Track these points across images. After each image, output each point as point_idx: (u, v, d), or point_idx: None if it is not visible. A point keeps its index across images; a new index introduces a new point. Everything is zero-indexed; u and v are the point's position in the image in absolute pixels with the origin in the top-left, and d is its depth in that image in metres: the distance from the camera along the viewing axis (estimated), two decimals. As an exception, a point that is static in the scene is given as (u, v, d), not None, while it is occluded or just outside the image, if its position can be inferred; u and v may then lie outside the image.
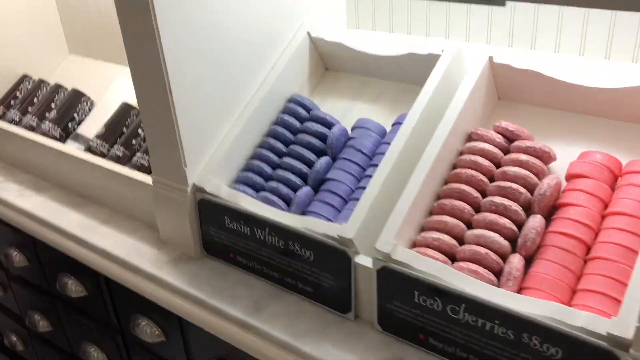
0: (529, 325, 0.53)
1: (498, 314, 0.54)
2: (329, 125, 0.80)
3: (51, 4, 1.25)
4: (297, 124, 0.82)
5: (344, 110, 0.85)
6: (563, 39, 0.77)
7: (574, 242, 0.59)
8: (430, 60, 0.76)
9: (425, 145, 0.68)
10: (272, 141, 0.81)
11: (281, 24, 0.85)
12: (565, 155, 0.66)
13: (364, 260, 0.63)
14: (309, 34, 0.87)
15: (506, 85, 0.72)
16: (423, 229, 0.64)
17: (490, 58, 0.71)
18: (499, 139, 0.68)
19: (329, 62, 0.91)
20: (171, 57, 0.68)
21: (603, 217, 0.60)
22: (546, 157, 0.65)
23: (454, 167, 0.68)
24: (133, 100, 1.08)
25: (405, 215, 0.61)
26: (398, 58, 0.80)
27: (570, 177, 0.64)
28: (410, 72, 0.81)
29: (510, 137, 0.68)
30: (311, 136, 0.79)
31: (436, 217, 0.63)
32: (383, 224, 0.63)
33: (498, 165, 0.67)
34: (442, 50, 0.74)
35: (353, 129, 0.80)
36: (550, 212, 0.63)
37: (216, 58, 0.75)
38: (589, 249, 0.59)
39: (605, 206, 0.61)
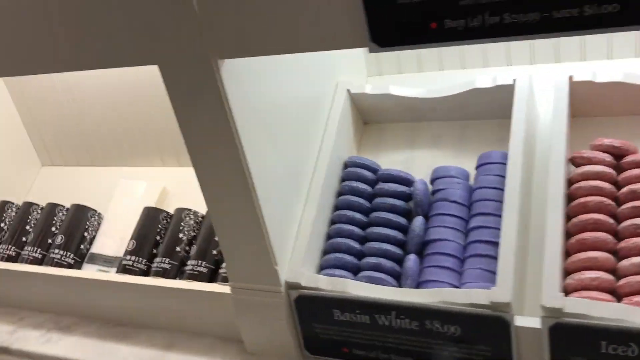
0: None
1: None
2: (405, 182, 0.75)
3: (15, 118, 1.15)
4: (368, 188, 0.76)
5: (406, 163, 0.80)
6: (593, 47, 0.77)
7: None
8: (498, 93, 0.73)
9: (534, 181, 0.64)
10: (350, 213, 0.74)
11: (322, 86, 0.80)
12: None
13: (526, 321, 0.58)
14: (348, 91, 0.83)
15: (581, 102, 0.71)
16: (568, 271, 0.60)
17: (571, 77, 0.69)
18: (608, 158, 0.65)
19: (368, 116, 0.86)
20: (249, 149, 0.62)
21: None
22: (662, 163, 0.63)
23: (570, 197, 0.64)
24: (153, 203, 1.01)
25: (560, 263, 0.57)
26: (458, 96, 0.76)
27: (697, 178, 0.62)
28: (471, 108, 0.78)
29: (617, 154, 0.66)
30: (391, 198, 0.74)
31: (582, 255, 0.59)
32: (528, 278, 0.58)
33: (616, 185, 0.64)
34: (514, 80, 0.71)
35: (433, 180, 0.75)
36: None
37: (280, 135, 0.69)
38: None
39: None
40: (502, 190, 0.68)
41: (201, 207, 0.87)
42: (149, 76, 0.95)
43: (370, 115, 0.86)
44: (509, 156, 0.67)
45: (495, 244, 0.65)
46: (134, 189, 1.04)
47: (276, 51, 0.52)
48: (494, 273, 0.63)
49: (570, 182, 0.65)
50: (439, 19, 0.44)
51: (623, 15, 0.39)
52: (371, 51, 0.47)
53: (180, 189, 1.03)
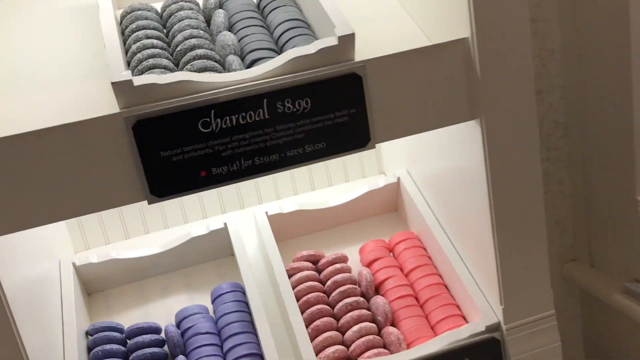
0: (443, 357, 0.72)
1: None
2: (155, 330, 0.81)
3: None
4: (120, 347, 0.80)
5: (145, 318, 0.87)
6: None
7: (410, 298, 0.81)
8: (213, 237, 0.89)
9: (269, 293, 0.80)
10: (109, 377, 0.77)
11: (48, 263, 0.82)
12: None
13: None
14: (74, 264, 0.86)
15: (278, 229, 0.91)
16: (316, 351, 0.76)
17: (266, 212, 0.89)
18: (309, 264, 0.86)
19: (93, 286, 0.90)
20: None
21: (406, 275, 0.85)
22: (345, 259, 0.87)
23: (297, 298, 0.82)
24: None
25: (310, 348, 0.73)
26: (179, 248, 0.89)
27: (368, 264, 0.87)
28: (191, 256, 0.90)
29: (313, 260, 0.87)
30: (147, 348, 0.79)
31: (320, 338, 0.76)
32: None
33: (321, 281, 0.85)
34: (225, 223, 0.88)
35: (178, 323, 0.83)
36: (377, 290, 0.84)
37: (27, 316, 0.69)
38: (416, 297, 0.83)
39: (401, 268, 0.86)
40: (241, 311, 0.82)
41: None
42: None
43: (95, 285, 0.90)
44: (245, 281, 0.81)
45: (252, 355, 0.77)
46: None
47: (55, 219, 0.57)
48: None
49: (292, 287, 0.83)
50: (207, 168, 0.58)
51: (328, 148, 0.61)
52: (150, 202, 0.58)
53: None
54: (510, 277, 0.73)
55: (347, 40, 0.60)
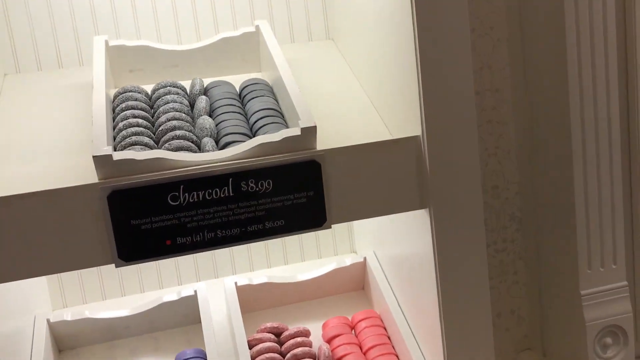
0: None
1: None
2: (118, 391, 0.85)
3: None
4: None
5: (109, 378, 0.90)
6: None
7: (365, 375, 0.85)
8: (183, 303, 0.93)
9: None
10: None
11: (22, 319, 0.86)
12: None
13: None
14: (48, 321, 0.90)
15: (245, 300, 0.96)
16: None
17: (236, 283, 0.94)
18: (272, 336, 0.90)
19: (63, 344, 0.94)
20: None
21: (365, 353, 0.89)
22: (307, 333, 0.91)
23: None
24: None
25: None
26: (150, 311, 0.93)
27: (329, 339, 0.91)
28: (161, 321, 0.94)
29: (276, 333, 0.91)
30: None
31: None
32: None
33: (281, 353, 0.88)
34: (195, 291, 0.92)
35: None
36: (335, 366, 0.88)
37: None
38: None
39: (361, 347, 0.90)
40: (202, 379, 0.85)
41: None
42: None
43: (67, 342, 0.94)
44: (207, 349, 0.85)
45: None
46: None
47: (32, 275, 0.63)
48: None
49: (252, 357, 0.86)
50: (173, 237, 0.64)
51: (286, 226, 0.67)
52: (117, 266, 0.63)
53: None
54: (456, 358, 0.77)
55: (309, 132, 0.68)
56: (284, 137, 0.67)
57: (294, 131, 0.68)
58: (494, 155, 0.93)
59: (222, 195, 0.65)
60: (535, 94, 0.89)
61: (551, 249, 0.92)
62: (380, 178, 0.71)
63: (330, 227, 0.70)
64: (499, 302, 1.01)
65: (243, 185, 0.66)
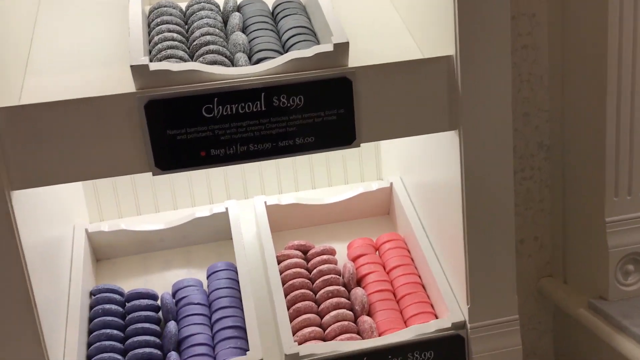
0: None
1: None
2: (152, 297, 0.90)
3: None
4: (119, 308, 0.88)
5: (145, 286, 0.95)
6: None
7: (387, 292, 0.88)
8: (214, 220, 0.97)
9: (260, 274, 0.88)
10: (108, 331, 0.84)
11: (62, 227, 0.91)
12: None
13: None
14: (86, 231, 0.95)
15: (274, 219, 0.99)
16: (294, 330, 0.83)
17: (265, 202, 0.97)
18: (299, 253, 0.93)
19: (101, 253, 0.99)
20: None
21: (388, 272, 0.92)
22: (332, 251, 0.94)
23: (283, 281, 0.89)
24: None
25: (289, 326, 0.80)
26: (183, 226, 0.97)
27: (354, 259, 0.94)
28: (193, 236, 0.98)
29: (303, 250, 0.94)
30: (143, 311, 0.87)
31: (299, 318, 0.84)
32: (268, 343, 0.79)
33: (308, 269, 0.92)
34: (226, 208, 0.96)
35: (174, 292, 0.91)
36: (358, 282, 0.91)
37: (40, 272, 0.77)
38: (394, 293, 0.89)
39: (384, 266, 0.93)
40: (232, 288, 0.89)
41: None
42: None
43: (104, 252, 0.99)
44: (238, 262, 0.89)
45: (237, 327, 0.84)
46: None
47: (71, 179, 0.66)
48: (241, 349, 0.82)
49: (280, 271, 0.90)
50: (207, 149, 0.66)
51: (316, 143, 0.69)
52: (154, 174, 0.66)
53: None
54: (478, 279, 0.79)
55: (342, 48, 0.68)
56: (316, 52, 0.68)
57: (327, 47, 0.68)
58: (527, 82, 0.92)
59: (254, 110, 0.67)
60: (572, 19, 0.87)
61: (578, 176, 0.92)
62: (410, 98, 0.71)
63: (359, 146, 0.71)
64: (523, 229, 1.03)
65: (275, 100, 0.67)
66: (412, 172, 0.99)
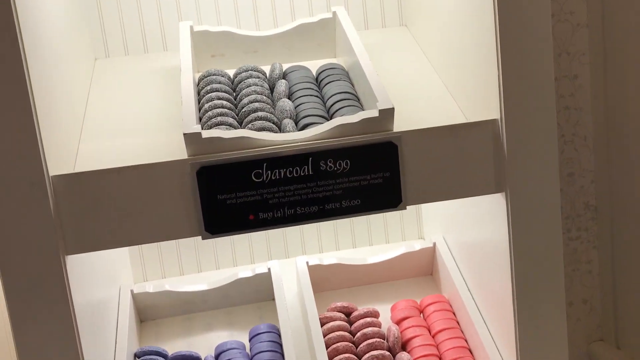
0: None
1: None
2: (195, 359, 0.89)
3: None
4: (163, 372, 0.88)
5: (186, 347, 0.95)
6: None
7: (434, 357, 0.86)
8: (257, 280, 0.97)
9: (303, 337, 0.87)
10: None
11: (110, 289, 0.92)
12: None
13: None
14: (132, 292, 0.96)
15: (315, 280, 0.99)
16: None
17: (307, 262, 0.97)
18: (342, 315, 0.92)
19: (145, 314, 0.99)
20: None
21: (433, 336, 0.90)
22: (376, 314, 0.93)
23: (327, 345, 0.88)
24: None
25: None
26: (225, 287, 0.97)
27: (398, 321, 0.92)
28: (236, 296, 0.99)
29: (346, 312, 0.94)
30: (187, 375, 0.87)
31: (344, 383, 0.82)
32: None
33: (351, 332, 0.91)
34: (269, 268, 0.96)
35: (217, 355, 0.91)
36: (403, 346, 0.89)
37: (91, 331, 0.78)
38: (440, 358, 0.87)
39: (429, 329, 0.91)
40: (275, 352, 0.89)
41: None
42: None
43: (148, 313, 0.99)
44: (281, 324, 0.88)
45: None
46: None
47: (124, 244, 0.67)
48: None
49: (323, 334, 0.89)
50: (255, 212, 0.67)
51: (362, 205, 0.69)
52: (204, 238, 0.67)
53: None
54: (528, 343, 0.77)
55: (387, 113, 0.69)
56: (362, 118, 0.69)
57: (372, 113, 0.70)
58: (571, 142, 0.92)
59: (302, 174, 0.68)
60: (614, 81, 0.88)
61: (629, 237, 0.90)
62: (456, 161, 0.72)
63: (406, 208, 0.72)
64: (571, 291, 1.00)
65: (322, 165, 0.68)
66: (455, 232, 0.98)
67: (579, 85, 0.91)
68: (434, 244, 1.01)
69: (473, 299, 0.91)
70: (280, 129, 0.74)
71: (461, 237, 0.95)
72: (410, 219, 1.11)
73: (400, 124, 0.72)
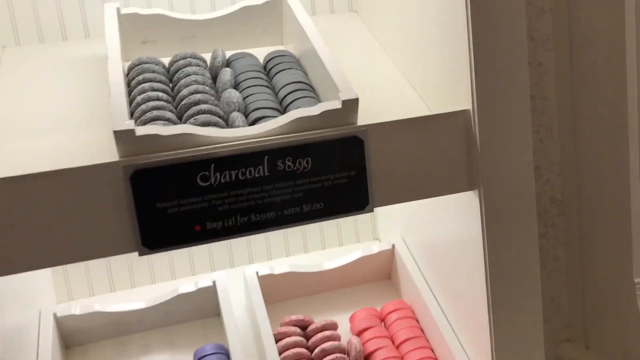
0: None
1: None
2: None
3: None
4: (95, 406, 0.77)
5: (121, 376, 0.84)
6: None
7: (400, 371, 0.79)
8: (200, 295, 0.87)
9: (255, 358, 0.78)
10: None
11: (28, 313, 0.79)
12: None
13: None
14: (55, 315, 0.83)
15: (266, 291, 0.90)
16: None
17: (257, 272, 0.87)
18: (297, 329, 0.83)
19: (71, 340, 0.87)
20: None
21: (397, 347, 0.83)
22: (335, 326, 0.85)
23: (283, 366, 0.79)
24: None
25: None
26: (164, 304, 0.86)
27: (359, 333, 0.85)
28: (177, 314, 0.88)
29: (302, 326, 0.84)
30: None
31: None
32: None
33: (308, 348, 0.82)
34: (214, 281, 0.86)
35: (158, 382, 0.80)
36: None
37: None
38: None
39: (392, 339, 0.84)
40: (224, 375, 0.79)
41: None
42: None
43: (75, 338, 0.87)
44: (230, 344, 0.79)
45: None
46: None
47: (44, 265, 0.56)
48: None
49: (279, 352, 0.80)
50: (202, 222, 0.57)
51: (326, 209, 0.60)
52: (141, 254, 0.57)
53: None
54: (504, 354, 0.72)
55: (351, 105, 0.61)
56: (323, 110, 0.61)
57: (334, 104, 0.61)
58: (536, 134, 0.87)
59: (256, 175, 0.59)
60: (580, 69, 0.83)
61: (598, 233, 0.86)
62: (426, 156, 0.64)
63: (373, 211, 0.64)
64: (537, 291, 0.96)
65: (280, 164, 0.59)
66: (415, 233, 0.91)
67: (544, 72, 0.86)
68: (393, 245, 0.94)
69: (438, 304, 0.84)
70: (227, 123, 0.64)
71: (423, 237, 0.88)
72: (365, 219, 1.03)
73: (364, 118, 0.64)
